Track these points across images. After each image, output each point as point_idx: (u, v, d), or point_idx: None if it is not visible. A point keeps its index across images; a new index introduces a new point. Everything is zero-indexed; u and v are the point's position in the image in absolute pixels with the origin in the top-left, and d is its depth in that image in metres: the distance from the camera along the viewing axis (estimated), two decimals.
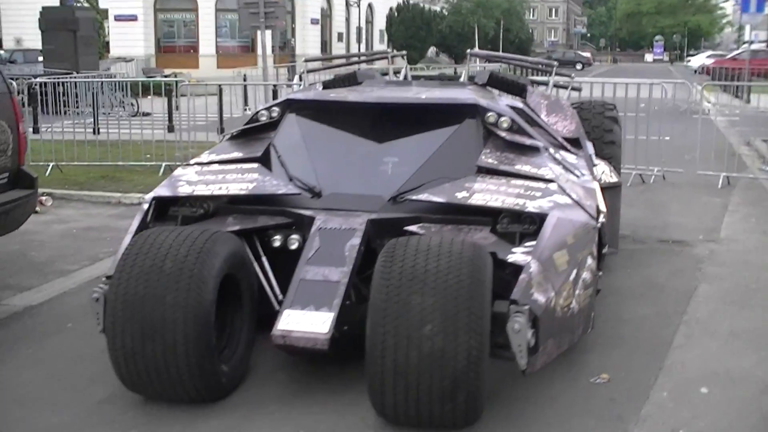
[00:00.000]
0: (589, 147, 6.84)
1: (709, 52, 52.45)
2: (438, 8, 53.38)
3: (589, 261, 4.95)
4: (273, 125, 5.89)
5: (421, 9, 49.79)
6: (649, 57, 78.33)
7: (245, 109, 16.75)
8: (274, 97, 16.18)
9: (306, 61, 7.96)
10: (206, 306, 4.18)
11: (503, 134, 5.61)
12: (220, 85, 14.62)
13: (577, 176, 5.60)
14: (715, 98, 20.83)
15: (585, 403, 4.53)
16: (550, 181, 5.18)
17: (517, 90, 6.85)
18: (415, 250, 4.11)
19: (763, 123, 14.31)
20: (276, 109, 5.91)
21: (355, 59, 9.73)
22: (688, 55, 66.96)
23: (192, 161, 5.67)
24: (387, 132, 5.62)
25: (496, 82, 6.93)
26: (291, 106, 5.88)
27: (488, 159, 5.38)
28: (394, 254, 4.11)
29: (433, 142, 5.52)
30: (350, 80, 7.10)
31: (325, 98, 5.93)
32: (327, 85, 7.05)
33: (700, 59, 52.81)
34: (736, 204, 10.06)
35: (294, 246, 5.01)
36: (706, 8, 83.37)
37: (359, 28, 49.98)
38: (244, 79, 19.57)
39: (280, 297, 4.85)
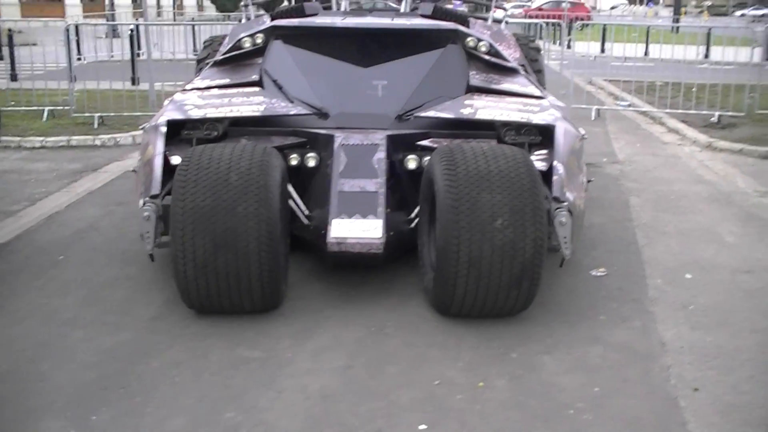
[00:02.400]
0: None
1: (513, 3, 54.77)
2: None
3: (584, 167, 5.47)
4: (257, 52, 5.98)
5: None
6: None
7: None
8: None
9: None
10: (275, 215, 4.32)
11: (484, 57, 5.98)
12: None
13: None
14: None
15: (599, 291, 5.06)
16: (540, 98, 5.64)
17: (461, 22, 7.22)
18: (473, 154, 4.44)
19: (587, 65, 15.48)
20: (260, 35, 5.99)
21: None
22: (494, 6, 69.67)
23: (187, 87, 5.68)
24: (374, 56, 5.85)
25: (440, 13, 7.26)
26: (275, 32, 5.98)
27: (477, 79, 5.75)
28: (455, 158, 4.42)
29: (421, 64, 5.82)
30: (298, 12, 7.22)
31: (312, 24, 6.06)
32: (274, 17, 7.14)
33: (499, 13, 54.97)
34: (615, 132, 11.00)
35: (312, 164, 5.20)
36: None
37: None
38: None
39: (306, 212, 5.04)
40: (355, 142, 5.12)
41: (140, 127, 5.95)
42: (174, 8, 43.98)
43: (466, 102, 5.46)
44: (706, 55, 22.33)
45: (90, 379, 3.86)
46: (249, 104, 5.33)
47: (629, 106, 13.17)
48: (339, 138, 5.15)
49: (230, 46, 6.05)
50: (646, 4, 76.02)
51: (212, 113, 5.22)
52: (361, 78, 5.70)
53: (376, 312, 4.63)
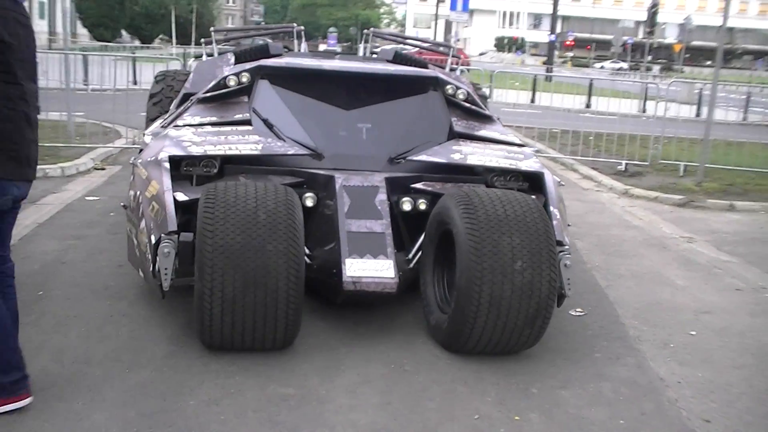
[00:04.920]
0: None
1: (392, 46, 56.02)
2: None
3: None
4: (242, 90, 6.06)
5: None
6: (323, 47, 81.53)
7: None
8: None
9: (214, 31, 7.97)
10: (301, 253, 4.42)
11: (462, 104, 6.27)
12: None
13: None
14: None
15: (585, 330, 5.36)
16: (521, 145, 5.96)
17: (421, 67, 7.51)
18: (489, 199, 4.68)
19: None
20: (246, 74, 6.06)
21: (256, 32, 9.76)
22: (374, 48, 70.73)
23: (179, 123, 5.69)
24: (357, 99, 6.03)
25: (400, 59, 7.54)
26: (261, 72, 6.08)
27: (460, 126, 6.03)
28: (473, 202, 4.64)
29: (403, 109, 6.05)
30: (262, 52, 7.35)
31: (299, 65, 6.18)
32: (239, 56, 7.25)
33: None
34: None
35: (309, 204, 5.31)
36: (374, 4, 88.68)
37: (42, 3, 46.93)
38: None
39: (305, 251, 5.14)
40: (356, 184, 5.26)
41: (130, 161, 5.90)
42: (49, 35, 42.73)
43: (455, 147, 5.72)
44: (588, 105, 23.48)
45: (131, 417, 3.83)
46: (246, 143, 5.40)
47: (538, 152, 13.75)
48: (339, 179, 5.28)
49: (214, 83, 6.08)
50: (515, 52, 79.03)
51: (212, 150, 5.27)
52: (345, 120, 5.86)
53: (388, 349, 4.76)
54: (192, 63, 11.68)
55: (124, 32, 52.48)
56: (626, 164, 12.19)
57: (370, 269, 4.79)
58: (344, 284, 4.73)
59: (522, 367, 4.64)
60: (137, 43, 49.64)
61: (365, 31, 9.66)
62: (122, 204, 5.81)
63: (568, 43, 77.73)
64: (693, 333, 5.47)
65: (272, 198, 4.50)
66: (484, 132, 6.05)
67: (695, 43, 73.95)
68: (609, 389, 4.46)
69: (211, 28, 8.17)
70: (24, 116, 3.54)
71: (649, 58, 65.98)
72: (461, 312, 4.50)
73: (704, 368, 4.87)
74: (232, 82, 6.05)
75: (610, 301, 6.00)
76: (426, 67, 7.46)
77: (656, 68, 64.42)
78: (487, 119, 6.28)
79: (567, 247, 4.87)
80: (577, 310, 5.71)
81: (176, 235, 4.58)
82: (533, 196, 4.95)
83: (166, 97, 8.17)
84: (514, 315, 4.48)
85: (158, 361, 4.46)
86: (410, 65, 7.36)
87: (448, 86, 6.26)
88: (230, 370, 4.37)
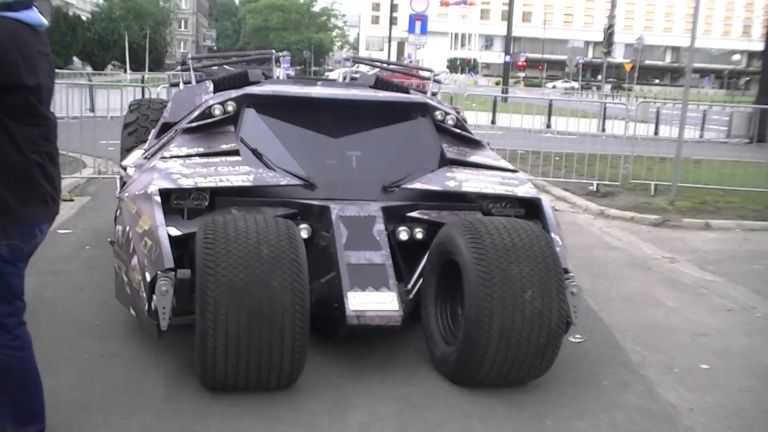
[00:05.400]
0: None
1: (346, 69, 56.21)
2: (87, 14, 50.98)
3: None
4: (228, 120, 5.91)
5: (65, 13, 47.30)
6: (277, 71, 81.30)
7: None
8: None
9: (192, 58, 7.81)
10: (306, 288, 4.28)
11: (452, 130, 6.19)
12: None
13: None
14: None
15: (588, 357, 5.28)
16: (514, 171, 5.90)
17: (402, 92, 7.44)
18: (495, 228, 4.59)
19: None
20: (231, 103, 5.92)
21: (236, 59, 9.61)
22: (327, 71, 70.80)
23: (166, 154, 5.52)
24: (346, 126, 5.92)
25: (381, 84, 7.46)
26: (247, 100, 5.94)
27: (451, 152, 5.94)
28: (479, 231, 4.55)
29: (393, 136, 5.95)
30: (242, 80, 7.24)
31: (286, 93, 6.06)
32: (217, 84, 7.12)
33: (337, 74, 56.34)
34: None
35: (305, 235, 5.17)
36: (327, 27, 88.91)
37: None
38: None
39: None
40: (352, 214, 5.14)
41: (116, 196, 5.72)
42: None
43: (448, 174, 5.63)
44: (548, 125, 23.69)
45: None
46: (237, 174, 5.26)
47: None
48: (335, 209, 5.15)
49: (199, 113, 5.93)
50: (467, 72, 79.68)
51: (203, 183, 5.11)
52: (334, 148, 5.74)
53: (395, 384, 4.64)
54: (160, 90, 11.49)
55: (75, 58, 51.84)
56: (597, 185, 12.22)
57: (374, 302, 4.67)
58: (348, 318, 4.60)
59: (532, 399, 4.54)
60: (89, 69, 49.09)
61: (344, 56, 9.58)
62: (109, 240, 5.62)
63: (520, 63, 78.61)
64: (694, 357, 5.41)
65: (274, 231, 4.36)
66: (475, 158, 5.97)
67: (645, 62, 75.27)
68: (624, 418, 4.38)
69: (189, 56, 8.01)
70: (47, 155, 3.38)
71: (599, 77, 66.88)
72: (471, 344, 4.40)
73: (712, 393, 4.81)
74: (217, 111, 5.90)
75: (606, 326, 5.93)
76: (407, 92, 7.40)
77: (607, 87, 65.39)
78: (477, 144, 6.20)
79: (572, 274, 4.80)
80: (576, 336, 5.63)
81: (173, 272, 4.41)
82: (536, 224, 4.87)
83: (141, 127, 7.99)
84: (524, 346, 4.38)
85: (158, 405, 4.28)
86: (392, 90, 7.28)
87: (437, 112, 6.18)
88: (235, 412, 4.20)
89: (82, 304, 5.84)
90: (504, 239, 4.50)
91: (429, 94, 7.61)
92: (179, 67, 8.36)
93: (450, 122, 6.20)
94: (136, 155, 6.74)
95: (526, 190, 5.53)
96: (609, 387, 4.81)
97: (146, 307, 4.49)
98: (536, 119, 22.33)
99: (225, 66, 8.20)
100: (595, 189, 12.16)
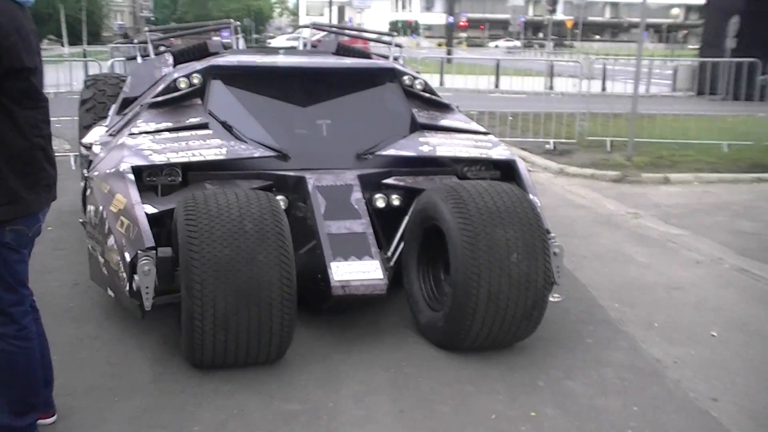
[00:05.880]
0: None
1: (289, 35, 55.42)
2: None
3: None
4: (194, 93, 5.79)
5: None
6: (217, 38, 79.85)
7: None
8: None
9: (149, 31, 7.59)
10: (292, 261, 4.23)
11: (421, 94, 6.14)
12: None
13: None
14: None
15: (568, 316, 5.32)
16: (486, 133, 5.88)
17: (364, 58, 7.37)
18: (477, 192, 4.57)
19: None
20: (197, 75, 5.79)
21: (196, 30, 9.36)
22: (268, 38, 69.74)
23: (134, 131, 5.39)
24: (314, 95, 5.84)
25: (343, 50, 7.38)
26: (213, 72, 5.82)
27: (422, 117, 5.90)
28: (462, 196, 4.53)
29: (362, 103, 5.89)
30: (202, 51, 7.10)
31: (252, 64, 5.94)
32: (177, 56, 6.97)
33: (281, 41, 55.59)
34: None
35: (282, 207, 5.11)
36: None
37: None
38: None
39: None
40: (328, 183, 5.08)
41: (85, 175, 5.57)
42: None
43: (421, 139, 5.59)
44: (497, 85, 23.74)
45: None
46: (209, 147, 5.16)
47: None
48: (311, 179, 5.09)
49: (164, 87, 5.79)
50: (410, 35, 79.37)
51: (175, 158, 5.01)
52: (303, 118, 5.66)
53: (383, 353, 4.63)
54: (110, 64, 11.21)
55: None
56: (554, 143, 12.28)
57: (358, 272, 4.63)
58: (333, 289, 4.56)
59: (521, 360, 4.57)
60: None
61: (311, 23, 9.44)
62: (81, 220, 5.48)
63: (461, 23, 78.44)
64: (672, 311, 5.49)
65: (256, 205, 4.29)
66: (446, 122, 5.94)
67: (587, 18, 75.66)
68: (613, 375, 4.43)
69: (146, 28, 7.82)
70: (48, 138, 3.27)
71: (540, 35, 67.18)
72: (459, 309, 4.39)
73: (694, 346, 4.89)
74: (182, 84, 5.77)
75: (582, 284, 5.98)
76: (369, 57, 7.33)
77: (549, 45, 65.59)
78: (446, 108, 6.17)
79: (553, 235, 4.81)
80: (555, 295, 5.64)
81: (154, 251, 4.33)
82: (517, 187, 4.87)
83: (99, 103, 7.78)
84: (512, 308, 4.40)
85: (147, 387, 4.21)
86: (355, 56, 7.21)
87: (405, 77, 6.13)
88: (227, 389, 4.15)
89: (53, 288, 5.70)
90: (487, 203, 4.49)
91: (391, 59, 7.53)
92: (119, 40, 8.14)
93: (418, 87, 6.15)
94: (98, 132, 6.58)
95: (500, 152, 5.53)
96: (594, 345, 4.85)
97: (127, 287, 4.40)
98: (484, 80, 22.40)
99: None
100: (552, 148, 12.22)
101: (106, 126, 6.61)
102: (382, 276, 4.62)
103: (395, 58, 7.75)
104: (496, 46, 71.73)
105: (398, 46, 7.87)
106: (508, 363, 4.51)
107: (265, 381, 4.23)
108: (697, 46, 39.37)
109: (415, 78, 6.15)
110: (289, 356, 4.47)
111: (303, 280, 4.71)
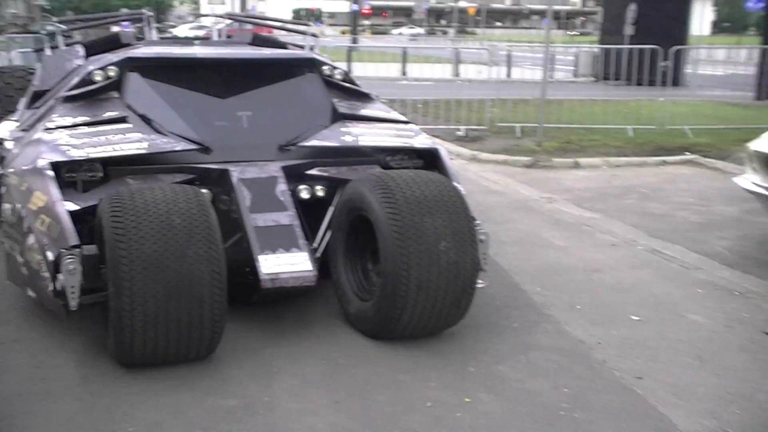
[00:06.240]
0: None
1: (191, 25, 54.43)
2: None
3: None
4: (111, 85, 5.66)
5: None
6: (116, 28, 77.80)
7: None
8: None
9: (60, 22, 7.33)
10: (222, 255, 4.19)
11: (341, 84, 6.14)
12: None
13: None
14: None
15: (494, 301, 5.42)
16: (407, 122, 5.93)
17: (281, 48, 7.31)
18: (404, 181, 4.61)
19: None
20: (113, 68, 5.66)
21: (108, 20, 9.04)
22: (170, 27, 68.34)
23: (50, 125, 5.23)
24: (233, 86, 5.77)
25: (260, 41, 7.31)
26: (129, 64, 5.69)
27: (343, 107, 5.90)
28: (389, 185, 4.56)
29: (282, 93, 5.85)
30: (114, 42, 6.94)
31: (170, 55, 5.83)
32: (89, 47, 6.80)
33: (183, 30, 54.54)
34: None
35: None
36: None
37: None
38: None
39: None
40: (253, 176, 5.05)
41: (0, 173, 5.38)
42: None
43: (343, 129, 5.59)
44: (404, 72, 23.86)
45: None
46: (130, 142, 5.05)
47: None
48: (235, 172, 5.04)
49: (79, 80, 5.64)
50: (313, 23, 78.91)
51: (95, 153, 4.89)
52: (224, 109, 5.60)
53: (314, 345, 4.63)
54: (12, 55, 10.82)
55: None
56: (466, 130, 12.43)
57: (286, 264, 4.62)
58: (262, 282, 4.54)
59: (451, 347, 4.63)
60: None
61: (226, 14, 9.30)
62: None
63: (365, 11, 78.48)
64: (592, 293, 5.64)
65: (183, 200, 4.24)
66: (367, 111, 5.95)
67: (489, 5, 76.67)
68: (540, 358, 4.53)
69: (54, 19, 7.58)
70: None
71: (444, 22, 67.74)
72: (390, 298, 4.43)
73: (615, 326, 5.04)
74: (98, 77, 5.63)
75: (504, 269, 6.09)
76: (285, 47, 7.28)
77: (452, 32, 66.20)
78: (366, 97, 6.18)
79: (479, 222, 4.88)
80: (480, 282, 5.73)
81: (78, 249, 4.23)
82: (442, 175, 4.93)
83: (6, 96, 7.52)
84: (442, 296, 4.46)
85: (75, 388, 4.11)
86: (272, 47, 7.15)
87: (325, 67, 6.11)
88: (159, 388, 4.08)
89: None
90: (415, 192, 4.53)
91: (307, 49, 7.48)
92: (13, 30, 7.89)
93: (338, 77, 6.14)
94: (7, 127, 6.36)
95: (422, 141, 5.58)
96: (520, 329, 4.95)
97: (50, 287, 4.29)
98: (391, 67, 22.50)
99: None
100: (463, 134, 12.36)
101: (16, 120, 6.40)
102: (311, 267, 4.62)
103: (311, 48, 7.71)
104: (400, 34, 72.03)
105: (314, 35, 7.82)
106: (439, 350, 4.57)
107: (198, 378, 4.18)
108: (574, 33, 40.18)
109: (334, 68, 6.14)
110: (221, 352, 4.42)
111: (231, 274, 4.66)
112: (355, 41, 36.44)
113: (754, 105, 17.67)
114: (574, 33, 43.59)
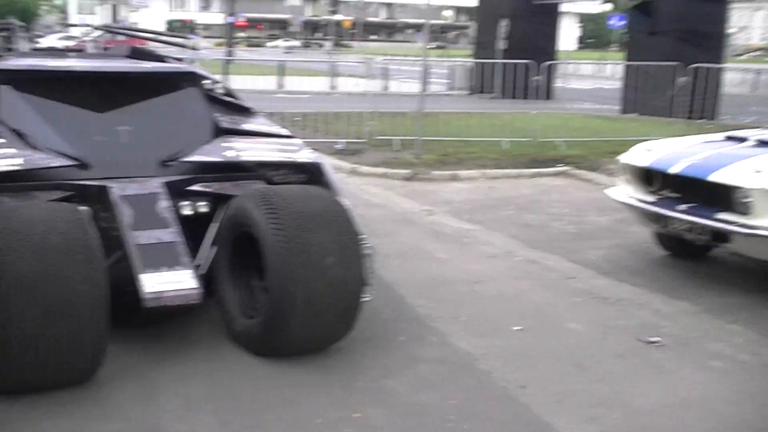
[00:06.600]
0: None
1: (60, 35, 52.66)
2: None
3: None
4: None
5: None
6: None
7: None
8: None
9: None
10: (103, 275, 4.07)
11: (222, 98, 6.07)
12: None
13: None
14: None
15: (379, 315, 5.40)
16: (290, 136, 5.91)
17: (159, 61, 7.17)
18: (289, 196, 4.60)
19: None
20: None
21: None
22: (36, 37, 65.94)
23: None
24: (111, 100, 5.62)
25: (138, 54, 7.15)
26: (1, 77, 5.45)
27: (225, 121, 5.83)
28: (273, 201, 4.53)
29: (163, 108, 5.74)
30: None
31: (44, 68, 5.62)
32: None
33: (51, 41, 52.64)
34: None
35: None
36: None
37: None
38: None
39: None
40: (134, 192, 4.92)
41: None
42: None
43: (225, 144, 5.52)
44: (281, 85, 23.78)
45: None
46: (2, 158, 4.84)
47: None
48: (115, 189, 4.90)
49: None
50: (190, 35, 77.74)
51: None
52: (103, 124, 5.44)
53: (198, 364, 4.54)
54: None
55: None
56: (346, 143, 12.47)
57: (170, 282, 4.52)
58: (145, 301, 4.42)
59: (339, 363, 4.62)
60: None
61: (101, 25, 9.02)
62: None
63: (240, 23, 77.85)
64: (475, 304, 5.75)
65: (62, 218, 4.10)
66: (249, 125, 5.90)
67: (365, 19, 77.26)
68: (427, 371, 4.58)
69: None
70: None
71: (321, 34, 67.91)
72: (276, 315, 4.40)
73: (498, 337, 5.14)
74: None
75: (388, 283, 6.12)
76: (164, 60, 7.14)
77: (328, 44, 66.43)
78: (248, 112, 6.13)
79: (364, 236, 4.90)
80: (365, 296, 5.75)
81: None
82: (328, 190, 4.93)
83: None
84: (329, 312, 4.46)
85: None
86: (150, 60, 7.00)
87: (206, 81, 6.03)
88: (37, 415, 3.92)
89: None
90: (300, 207, 4.52)
91: (187, 62, 7.37)
92: None
93: (219, 91, 6.08)
94: None
95: (306, 156, 5.56)
96: (406, 342, 4.99)
97: None
98: (268, 80, 22.38)
99: None
100: (342, 148, 12.39)
101: None
102: (195, 285, 4.54)
103: (191, 61, 7.60)
104: (276, 46, 71.76)
105: (194, 48, 7.71)
106: (327, 366, 4.55)
107: (79, 402, 4.03)
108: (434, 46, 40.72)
109: (215, 81, 6.07)
110: (102, 375, 4.27)
111: (112, 293, 4.53)
112: (230, 54, 36.13)
113: (620, 118, 18.41)
114: (433, 46, 44.70)
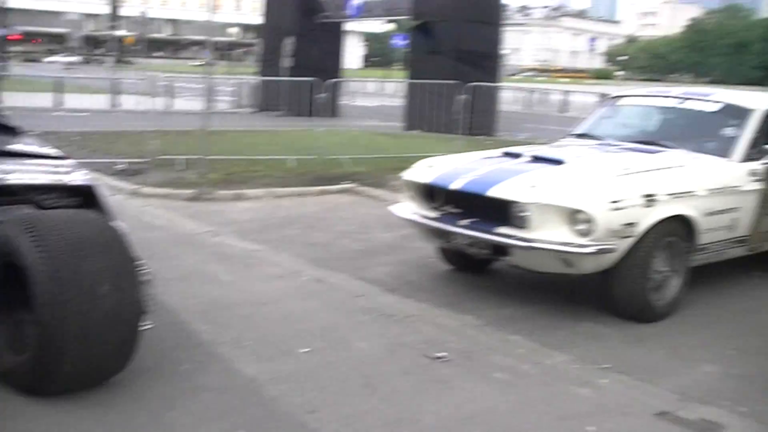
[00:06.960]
0: None
1: None
2: None
3: None
4: None
5: None
6: None
7: None
8: None
9: None
10: None
11: None
12: None
13: None
14: None
15: (163, 342, 5.19)
16: (62, 157, 5.57)
17: None
18: (57, 222, 4.30)
19: None
20: None
21: None
22: None
23: None
24: None
25: None
26: None
27: None
28: (40, 227, 4.22)
29: None
30: None
31: None
32: None
33: None
34: None
35: None
36: None
37: None
38: None
39: None
40: None
41: None
42: None
43: None
44: (60, 103, 22.70)
45: None
46: None
47: None
48: None
49: None
50: None
51: None
52: None
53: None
54: None
55: None
56: (127, 163, 12.00)
57: None
58: None
59: (118, 397, 4.37)
60: None
61: None
62: None
63: (14, 37, 73.62)
64: (261, 328, 5.63)
65: None
66: (15, 146, 5.49)
67: (149, 35, 75.32)
68: (212, 400, 4.41)
69: None
70: None
71: (101, 50, 65.45)
72: (46, 350, 4.10)
73: (285, 360, 5.05)
74: None
75: (170, 308, 5.89)
76: None
77: (110, 61, 64.10)
78: (13, 132, 5.73)
79: (142, 261, 4.68)
80: (144, 324, 5.50)
81: None
82: (100, 214, 4.66)
83: None
84: (104, 343, 4.22)
85: None
86: None
87: None
88: None
89: None
90: (69, 234, 4.25)
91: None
92: None
93: None
94: None
95: (78, 177, 5.24)
96: (189, 371, 4.79)
97: None
98: (45, 97, 21.27)
99: None
100: (124, 168, 11.91)
101: None
102: None
103: None
104: (54, 61, 68.35)
105: None
106: (105, 401, 4.29)
107: None
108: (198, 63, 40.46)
109: None
110: None
111: None
112: (4, 68, 33.98)
113: (404, 135, 18.90)
114: (197, 63, 44.48)
